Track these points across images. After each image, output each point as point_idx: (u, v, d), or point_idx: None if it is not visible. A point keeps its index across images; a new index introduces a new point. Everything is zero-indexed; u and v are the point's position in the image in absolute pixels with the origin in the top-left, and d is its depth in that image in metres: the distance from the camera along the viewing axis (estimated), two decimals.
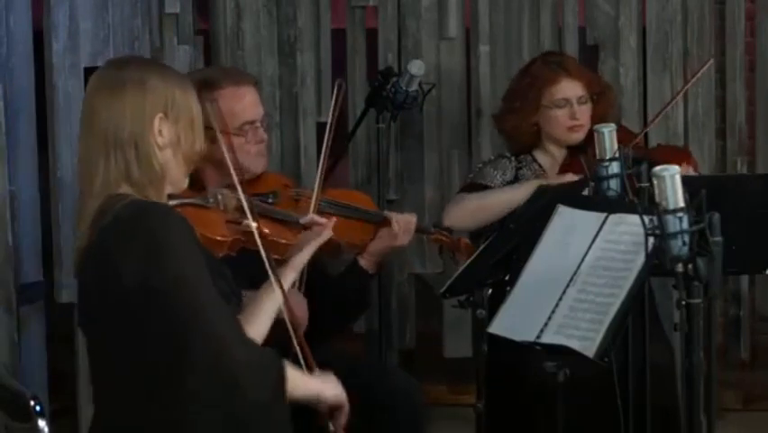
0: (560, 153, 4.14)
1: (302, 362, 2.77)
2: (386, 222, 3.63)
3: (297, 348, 2.79)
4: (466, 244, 3.77)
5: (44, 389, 3.85)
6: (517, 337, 3.05)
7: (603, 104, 4.15)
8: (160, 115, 2.60)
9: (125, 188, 2.59)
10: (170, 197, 2.73)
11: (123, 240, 2.52)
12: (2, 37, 3.75)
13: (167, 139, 2.61)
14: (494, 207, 4.02)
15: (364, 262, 3.63)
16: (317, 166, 4.76)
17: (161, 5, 4.54)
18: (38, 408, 2.78)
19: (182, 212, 2.84)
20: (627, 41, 4.80)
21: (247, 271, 2.96)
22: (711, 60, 4.43)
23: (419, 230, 3.71)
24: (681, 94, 4.54)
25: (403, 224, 3.62)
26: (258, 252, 2.84)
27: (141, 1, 4.29)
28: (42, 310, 3.92)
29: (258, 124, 3.57)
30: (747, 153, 4.86)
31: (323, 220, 3.24)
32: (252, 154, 3.56)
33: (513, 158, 4.17)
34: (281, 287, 2.85)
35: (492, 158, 4.24)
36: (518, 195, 3.93)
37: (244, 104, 3.55)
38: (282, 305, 2.84)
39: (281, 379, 2.58)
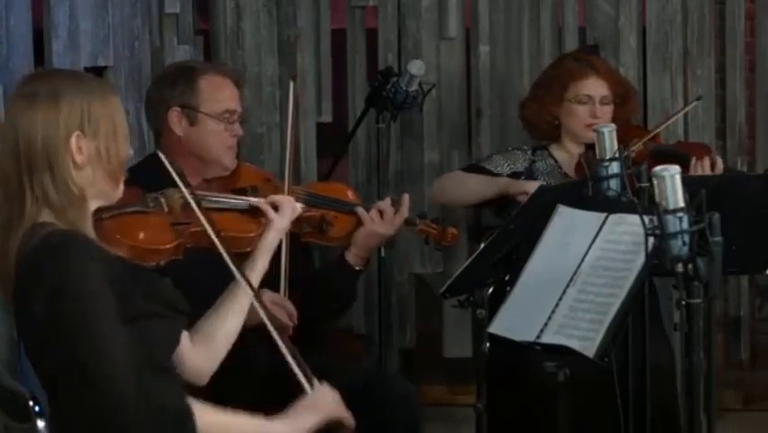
0: (577, 150, 4.17)
1: (297, 371, 2.68)
2: (363, 211, 3.61)
3: (290, 359, 2.69)
4: (452, 234, 3.76)
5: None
6: (517, 337, 3.05)
7: (626, 108, 4.21)
8: (77, 132, 2.51)
9: (46, 215, 2.51)
10: (106, 209, 2.65)
11: (32, 281, 2.46)
12: (2, 37, 3.74)
13: (85, 156, 2.52)
14: (469, 188, 4.06)
15: (350, 256, 3.61)
16: (317, 166, 4.80)
17: (161, 5, 4.54)
18: (37, 408, 2.78)
19: (119, 222, 2.79)
20: (627, 41, 4.80)
21: (206, 270, 2.93)
22: (699, 101, 4.43)
23: (405, 221, 3.69)
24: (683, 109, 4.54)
25: (382, 210, 3.60)
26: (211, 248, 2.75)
27: (141, 1, 4.29)
28: None
29: (236, 117, 3.58)
30: (747, 153, 4.86)
31: (284, 198, 3.15)
32: (227, 146, 3.55)
33: (530, 151, 4.21)
34: (250, 284, 2.77)
35: (510, 148, 4.28)
36: (495, 187, 3.98)
37: (227, 93, 3.57)
38: (255, 303, 2.75)
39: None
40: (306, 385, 2.69)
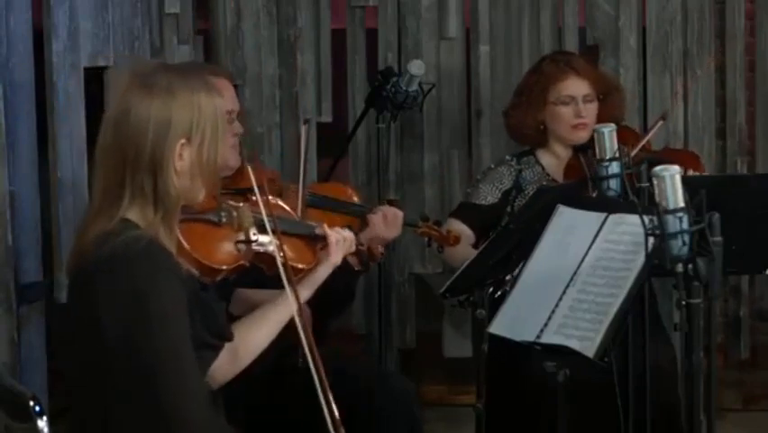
0: (565, 153, 4.14)
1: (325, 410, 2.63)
2: (370, 215, 3.61)
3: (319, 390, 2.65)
4: (455, 236, 3.76)
5: (44, 389, 3.84)
6: (517, 337, 3.05)
7: (611, 104, 4.17)
8: (183, 141, 2.53)
9: (135, 215, 2.53)
10: (182, 209, 2.64)
11: (109, 291, 2.46)
12: (2, 37, 3.74)
13: (186, 163, 2.54)
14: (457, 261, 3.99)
15: (350, 257, 3.62)
16: (317, 165, 4.79)
17: (161, 5, 4.53)
18: (38, 408, 2.78)
19: (189, 228, 2.76)
20: (627, 41, 4.80)
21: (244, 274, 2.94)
22: (662, 122, 4.37)
23: (408, 224, 3.70)
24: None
25: (386, 215, 3.61)
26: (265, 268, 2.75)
27: (141, 1, 4.29)
28: (42, 310, 3.91)
29: (235, 117, 3.58)
30: (747, 153, 4.86)
31: (348, 233, 3.12)
32: (229, 145, 3.55)
33: (515, 160, 4.18)
34: (299, 305, 2.77)
35: (492, 166, 4.23)
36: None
37: (223, 94, 3.55)
38: (299, 326, 2.73)
39: None
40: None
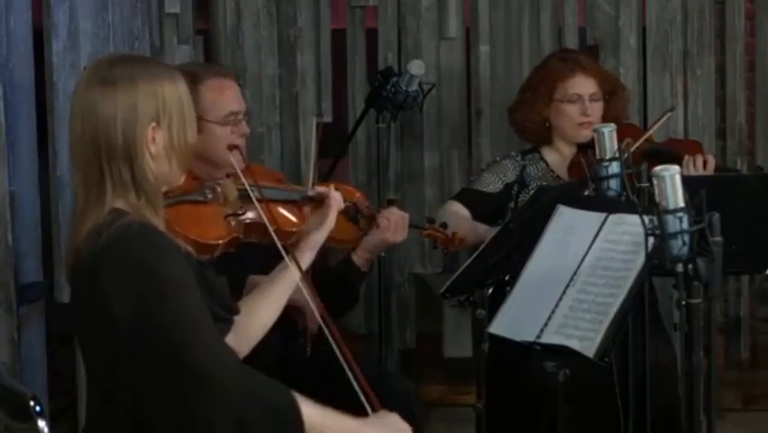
0: (569, 151, 4.15)
1: (355, 385, 2.64)
2: (380, 218, 3.62)
3: (347, 368, 2.64)
4: (460, 239, 3.76)
5: (44, 389, 3.85)
6: (517, 337, 3.05)
7: (615, 104, 4.17)
8: (153, 124, 2.54)
9: (122, 204, 2.54)
10: (165, 195, 2.66)
11: (113, 272, 2.46)
12: (2, 37, 3.74)
13: (160, 146, 2.55)
14: (476, 235, 4.00)
15: (357, 258, 3.62)
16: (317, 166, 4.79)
17: (161, 5, 4.54)
18: (38, 408, 2.78)
19: (177, 211, 2.79)
20: (627, 41, 4.80)
21: (253, 262, 2.94)
22: (670, 113, 4.39)
23: (413, 226, 3.70)
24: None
25: (394, 219, 3.62)
26: (260, 243, 2.75)
27: (141, 1, 4.29)
28: (42, 310, 3.91)
29: (241, 117, 3.57)
30: (747, 153, 4.86)
31: (326, 189, 3.16)
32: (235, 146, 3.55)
33: (519, 156, 4.18)
34: (300, 269, 2.77)
35: (498, 159, 4.24)
36: (479, 234, 3.94)
37: (228, 95, 3.54)
38: (305, 291, 2.74)
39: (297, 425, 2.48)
40: (365, 402, 2.66)
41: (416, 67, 4.40)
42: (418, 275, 4.89)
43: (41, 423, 2.76)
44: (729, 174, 4.25)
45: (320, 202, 3.13)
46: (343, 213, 3.21)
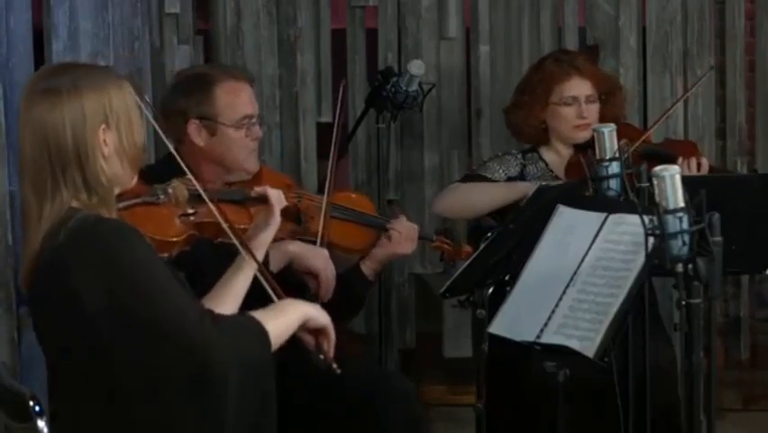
0: (566, 151, 4.15)
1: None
2: (388, 230, 3.63)
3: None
4: (467, 251, 3.77)
5: (44, 389, 3.84)
6: (517, 337, 3.05)
7: (612, 104, 4.17)
8: (103, 126, 2.55)
9: (77, 203, 2.54)
10: (118, 197, 2.68)
11: (80, 264, 2.48)
12: (2, 37, 3.74)
13: (111, 147, 2.56)
14: (479, 200, 4.05)
15: (365, 267, 3.64)
16: (317, 166, 4.79)
17: (161, 5, 4.54)
18: (37, 408, 2.78)
19: (131, 213, 2.84)
20: (627, 41, 4.80)
21: (208, 264, 2.96)
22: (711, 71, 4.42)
23: (421, 237, 3.72)
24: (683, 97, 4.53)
25: (405, 232, 3.62)
26: (214, 241, 2.86)
27: (141, 1, 4.29)
28: None
29: (255, 120, 3.57)
30: (747, 153, 4.87)
31: (264, 189, 3.19)
32: (249, 150, 3.56)
33: (520, 155, 4.19)
34: (256, 259, 2.84)
35: (499, 154, 4.25)
36: (504, 193, 3.99)
37: (243, 98, 3.55)
38: (263, 282, 2.79)
39: (265, 339, 2.56)
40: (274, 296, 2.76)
41: (415, 67, 4.40)
42: (418, 275, 4.89)
43: (41, 423, 2.76)
44: (729, 174, 4.26)
45: (264, 201, 3.17)
46: (285, 212, 3.24)
